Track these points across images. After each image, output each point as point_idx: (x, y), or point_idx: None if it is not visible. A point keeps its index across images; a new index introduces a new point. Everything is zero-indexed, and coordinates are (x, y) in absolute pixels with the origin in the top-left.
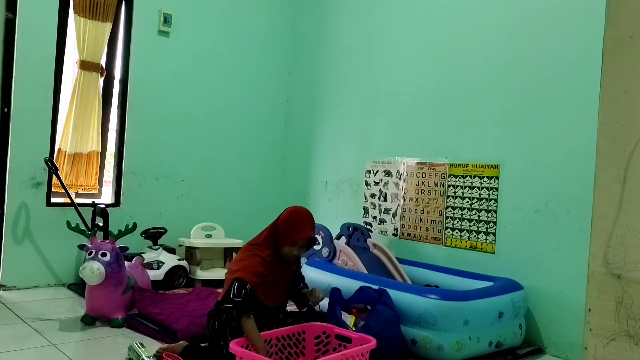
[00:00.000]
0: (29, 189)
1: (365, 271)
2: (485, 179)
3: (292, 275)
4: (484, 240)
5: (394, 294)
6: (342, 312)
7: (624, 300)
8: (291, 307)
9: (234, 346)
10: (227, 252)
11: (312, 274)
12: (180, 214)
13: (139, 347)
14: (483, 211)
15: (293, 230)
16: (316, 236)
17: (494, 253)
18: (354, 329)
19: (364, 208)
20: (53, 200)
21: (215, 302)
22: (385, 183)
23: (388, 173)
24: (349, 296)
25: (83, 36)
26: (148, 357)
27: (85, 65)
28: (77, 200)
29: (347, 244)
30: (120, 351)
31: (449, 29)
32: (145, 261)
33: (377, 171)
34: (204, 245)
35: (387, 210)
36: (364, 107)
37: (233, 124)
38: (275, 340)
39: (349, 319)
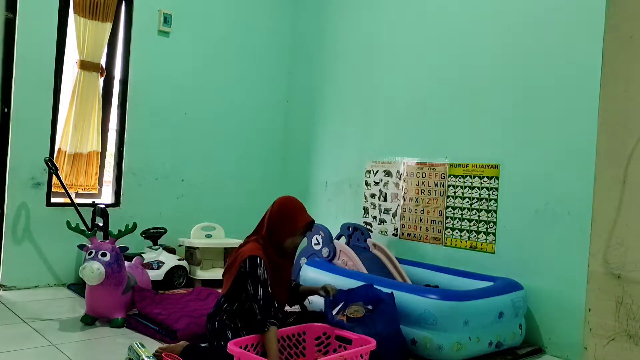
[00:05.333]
0: (29, 189)
1: (365, 271)
2: (485, 179)
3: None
4: (484, 240)
5: (394, 293)
6: (334, 313)
7: (624, 300)
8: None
9: (232, 346)
10: (227, 252)
11: (312, 274)
12: (180, 214)
13: (139, 347)
14: (483, 211)
15: (291, 222)
16: (316, 236)
17: (493, 253)
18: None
19: (364, 208)
20: (53, 200)
21: (215, 303)
22: (385, 183)
23: (388, 173)
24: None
25: (83, 36)
26: (148, 357)
27: (85, 65)
28: (77, 200)
29: (347, 244)
30: (120, 351)
31: (448, 30)
32: (145, 261)
33: (377, 171)
34: (204, 245)
35: (387, 210)
36: (363, 107)
37: (233, 124)
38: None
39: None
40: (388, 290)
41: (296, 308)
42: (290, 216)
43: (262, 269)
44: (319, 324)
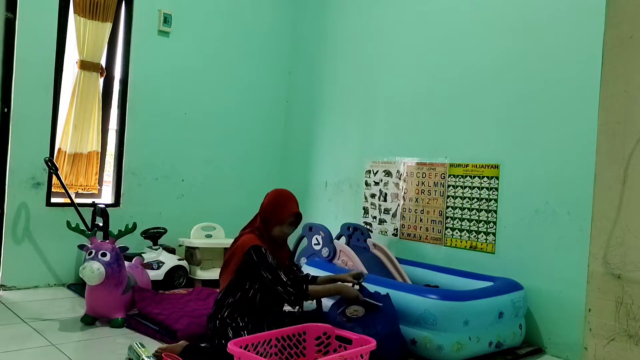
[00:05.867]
0: (29, 189)
1: (365, 271)
2: (485, 179)
3: (290, 263)
4: (484, 240)
5: (394, 294)
6: (338, 314)
7: (624, 300)
8: (288, 307)
9: (232, 346)
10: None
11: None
12: (180, 214)
13: (139, 347)
14: (483, 211)
15: (279, 210)
16: (316, 236)
17: (493, 253)
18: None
19: (364, 208)
20: (53, 200)
21: (215, 302)
22: (385, 183)
23: (388, 173)
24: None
25: (83, 36)
26: (148, 357)
27: (85, 65)
28: (77, 200)
29: (347, 244)
30: (120, 351)
31: (448, 29)
32: (145, 261)
33: (377, 171)
34: (204, 245)
35: (387, 210)
36: (363, 107)
37: (233, 124)
38: (275, 340)
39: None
40: (384, 291)
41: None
42: (278, 205)
43: (271, 257)
44: (320, 324)
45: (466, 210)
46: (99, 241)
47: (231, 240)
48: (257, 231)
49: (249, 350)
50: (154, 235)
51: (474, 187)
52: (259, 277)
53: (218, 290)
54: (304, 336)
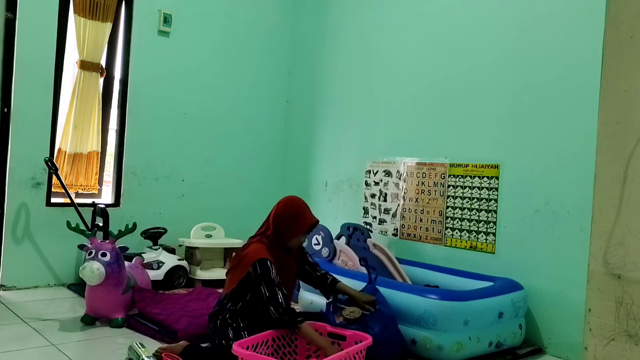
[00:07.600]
0: (29, 189)
1: (365, 271)
2: (485, 179)
3: (300, 266)
4: (484, 240)
5: (394, 294)
6: (335, 315)
7: (624, 300)
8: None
9: (237, 348)
10: (227, 252)
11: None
12: (180, 214)
13: (139, 347)
14: (483, 211)
15: (297, 223)
16: (316, 236)
17: (494, 253)
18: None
19: (364, 208)
20: (53, 200)
21: (217, 302)
22: (385, 183)
23: (388, 173)
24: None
25: (83, 36)
26: (148, 357)
27: (85, 65)
28: (77, 200)
29: (347, 244)
30: (120, 351)
31: (448, 29)
32: (145, 261)
33: (377, 171)
34: (204, 245)
35: (387, 210)
36: (363, 107)
37: (233, 124)
38: (271, 340)
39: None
40: (384, 291)
41: (298, 308)
42: (296, 216)
43: (275, 272)
44: (310, 322)
45: (466, 210)
46: (99, 241)
47: (231, 240)
48: (267, 240)
49: (256, 351)
50: (154, 235)
51: (474, 187)
52: (257, 290)
53: (220, 290)
54: (295, 335)
